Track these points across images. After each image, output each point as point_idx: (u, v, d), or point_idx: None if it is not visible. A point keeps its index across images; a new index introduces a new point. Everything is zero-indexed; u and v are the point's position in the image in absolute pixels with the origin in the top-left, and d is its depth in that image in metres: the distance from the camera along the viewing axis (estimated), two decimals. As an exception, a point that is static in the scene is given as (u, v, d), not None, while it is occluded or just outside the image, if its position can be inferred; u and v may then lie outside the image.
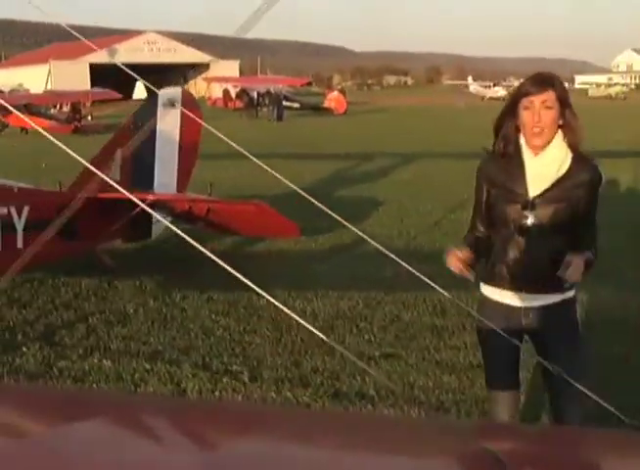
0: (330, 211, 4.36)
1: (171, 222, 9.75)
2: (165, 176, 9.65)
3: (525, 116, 3.52)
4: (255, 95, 46.52)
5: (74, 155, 3.60)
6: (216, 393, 5.38)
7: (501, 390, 3.85)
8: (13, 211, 7.31)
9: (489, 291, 3.76)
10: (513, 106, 3.58)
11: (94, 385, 5.59)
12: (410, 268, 3.53)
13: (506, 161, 3.63)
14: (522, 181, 3.57)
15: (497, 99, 69.12)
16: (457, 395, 5.36)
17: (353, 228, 3.37)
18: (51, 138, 4.17)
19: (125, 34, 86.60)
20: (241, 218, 9.08)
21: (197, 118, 9.28)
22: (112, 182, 3.74)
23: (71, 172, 9.46)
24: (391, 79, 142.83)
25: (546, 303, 3.64)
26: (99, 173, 4.59)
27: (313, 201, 4.35)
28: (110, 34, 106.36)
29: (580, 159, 3.57)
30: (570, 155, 3.55)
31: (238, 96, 50.40)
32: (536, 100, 3.48)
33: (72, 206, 4.49)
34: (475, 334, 6.45)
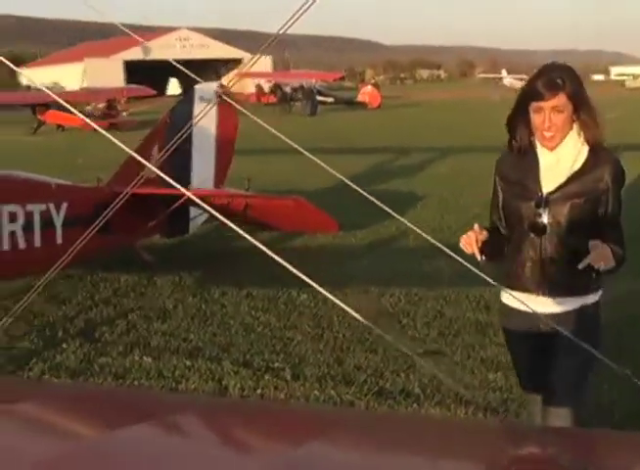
0: (381, 204, 4.24)
1: (208, 218, 9.75)
2: (203, 172, 9.60)
3: (535, 120, 3.36)
4: (289, 90, 46.48)
5: (123, 147, 3.49)
6: (258, 390, 5.30)
7: (534, 392, 3.73)
8: (52, 207, 7.29)
9: (507, 297, 3.58)
10: (523, 105, 3.41)
11: (135, 382, 5.53)
12: (465, 263, 3.38)
13: (520, 157, 3.48)
14: (535, 177, 3.41)
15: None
16: (504, 393, 5.23)
17: (406, 222, 3.25)
18: (106, 133, 4.08)
19: (157, 31, 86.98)
20: (279, 213, 9.00)
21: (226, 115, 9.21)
22: (162, 174, 3.62)
23: (107, 169, 9.46)
24: (424, 73, 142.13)
25: (564, 309, 3.42)
26: (148, 165, 4.47)
27: (363, 193, 4.21)
28: (143, 32, 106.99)
29: (599, 152, 3.37)
30: (585, 148, 3.36)
31: (271, 91, 50.43)
32: (546, 105, 3.30)
33: (115, 202, 4.40)
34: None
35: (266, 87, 52.22)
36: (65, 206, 7.48)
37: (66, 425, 1.78)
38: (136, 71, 65.07)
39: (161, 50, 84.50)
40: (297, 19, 2.16)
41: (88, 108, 38.90)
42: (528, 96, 3.36)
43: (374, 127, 31.84)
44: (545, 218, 3.36)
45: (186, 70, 5.48)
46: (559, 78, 3.28)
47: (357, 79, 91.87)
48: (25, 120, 36.46)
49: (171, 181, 3.69)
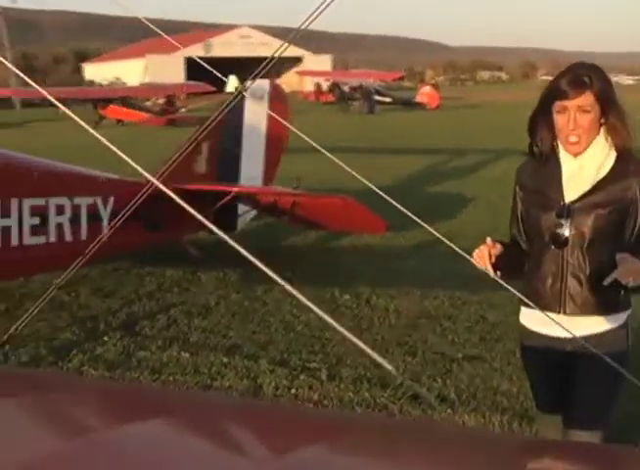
0: (404, 210, 4.14)
1: (257, 215, 9.77)
2: (252, 169, 9.61)
3: (559, 120, 3.09)
4: (347, 89, 46.44)
5: (107, 143, 3.47)
6: (292, 390, 5.27)
7: (552, 413, 3.41)
8: (99, 201, 7.36)
9: (526, 316, 3.32)
10: (546, 105, 3.14)
11: (171, 377, 5.55)
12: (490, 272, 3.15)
13: (542, 163, 3.21)
14: (557, 185, 3.13)
15: (595, 95, 67.42)
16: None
17: (426, 226, 3.09)
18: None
19: (219, 29, 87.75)
20: (327, 212, 8.96)
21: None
22: (146, 174, 3.61)
23: (161, 163, 9.51)
24: (485, 75, 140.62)
25: (588, 330, 3.11)
26: (148, 176, 4.48)
27: (386, 197, 4.12)
28: (204, 29, 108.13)
29: (628, 159, 3.10)
30: (613, 154, 3.10)
31: (330, 90, 50.47)
32: (571, 105, 3.03)
33: (141, 194, 4.40)
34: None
35: (325, 86, 52.29)
36: (112, 200, 7.54)
37: (88, 421, 1.78)
38: (197, 68, 65.74)
39: (223, 47, 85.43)
40: (321, 13, 2.11)
41: (148, 103, 39.47)
42: (552, 95, 3.09)
43: (430, 128, 31.61)
44: (567, 230, 3.09)
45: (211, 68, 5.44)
46: (586, 76, 3.03)
47: (417, 80, 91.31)
48: (88, 115, 37.14)
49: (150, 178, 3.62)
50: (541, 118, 3.18)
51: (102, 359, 5.92)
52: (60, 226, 7.00)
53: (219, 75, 5.52)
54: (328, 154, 4.46)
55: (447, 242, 2.95)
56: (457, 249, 3.22)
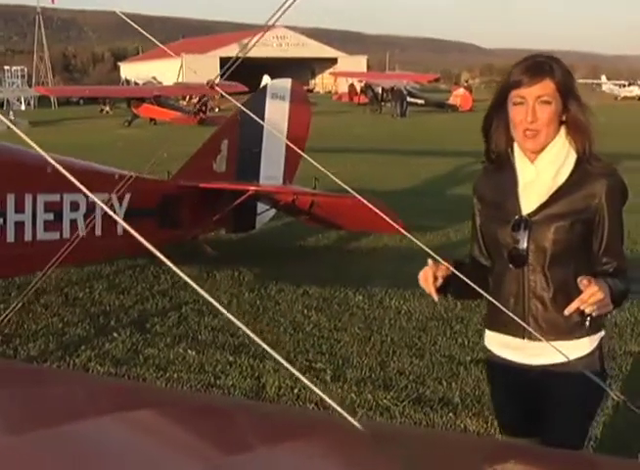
0: (385, 216, 4.04)
1: (276, 214, 9.75)
2: (271, 169, 9.59)
3: (515, 114, 2.70)
4: (380, 90, 46.32)
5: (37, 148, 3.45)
6: (295, 390, 5.23)
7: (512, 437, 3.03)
8: (114, 197, 7.36)
9: (490, 339, 2.97)
10: (501, 100, 2.76)
11: (175, 375, 5.54)
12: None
13: (497, 171, 2.84)
14: (513, 195, 2.77)
15: (632, 98, 66.56)
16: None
17: (407, 234, 2.84)
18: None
19: (255, 29, 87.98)
20: (345, 212, 8.91)
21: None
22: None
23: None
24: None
25: (553, 360, 2.75)
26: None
27: (363, 199, 4.00)
28: (240, 29, 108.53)
29: (592, 161, 2.72)
30: (572, 157, 2.72)
31: (362, 91, 50.40)
32: (529, 94, 2.66)
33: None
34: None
35: (359, 87, 52.24)
36: (127, 197, 7.55)
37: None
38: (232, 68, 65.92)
39: (258, 48, 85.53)
40: (287, 9, 2.07)
41: (183, 103, 39.69)
42: (507, 86, 2.72)
43: (461, 130, 31.31)
44: (525, 245, 2.73)
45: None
46: (545, 63, 2.69)
47: (452, 81, 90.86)
48: (122, 114, 37.48)
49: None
50: (496, 118, 2.81)
51: (109, 356, 5.93)
52: (74, 222, 7.03)
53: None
54: (306, 156, 4.38)
55: (430, 252, 2.70)
56: (437, 257, 2.85)
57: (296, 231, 10.30)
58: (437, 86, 78.80)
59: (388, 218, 2.88)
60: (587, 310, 2.52)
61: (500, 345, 2.91)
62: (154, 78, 63.24)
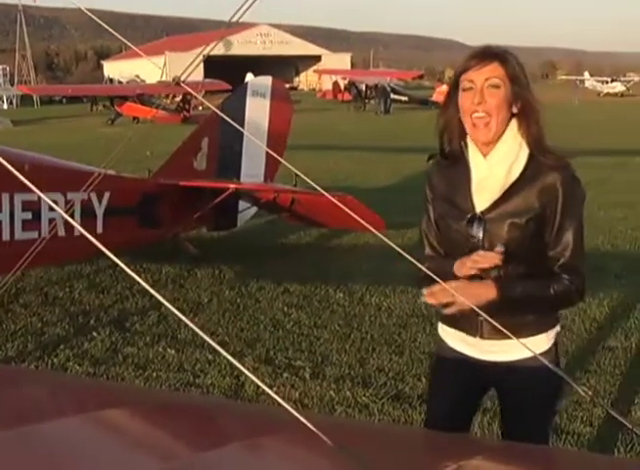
0: (353, 214, 4.03)
1: (257, 212, 9.73)
2: (253, 167, 9.57)
3: (464, 99, 2.60)
4: (364, 88, 46.37)
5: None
6: (274, 388, 5.21)
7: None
8: (93, 196, 7.33)
9: (445, 332, 2.93)
10: (453, 92, 2.67)
11: (154, 374, 5.51)
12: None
13: (450, 165, 2.76)
14: (466, 191, 2.70)
15: (614, 95, 66.88)
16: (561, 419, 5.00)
17: (377, 233, 2.73)
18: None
19: (239, 27, 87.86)
20: (326, 210, 8.90)
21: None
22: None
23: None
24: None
25: (511, 357, 2.73)
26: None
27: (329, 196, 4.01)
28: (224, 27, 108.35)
29: (545, 155, 2.64)
30: (525, 151, 2.65)
31: (346, 88, 50.42)
32: (477, 76, 2.57)
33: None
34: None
35: (343, 84, 52.26)
36: (107, 195, 7.52)
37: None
38: (215, 67, 65.83)
39: (242, 46, 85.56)
40: (250, 6, 2.06)
41: (166, 101, 39.58)
42: (457, 73, 2.65)
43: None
44: (478, 243, 2.67)
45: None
46: (496, 49, 2.64)
47: (436, 78, 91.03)
48: (105, 112, 37.33)
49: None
50: (451, 109, 2.71)
51: (88, 355, 5.90)
52: (52, 222, 6.98)
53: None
54: (272, 152, 4.34)
55: (402, 252, 2.64)
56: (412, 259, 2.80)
57: (277, 229, 10.29)
58: (421, 83, 78.99)
59: (356, 216, 2.83)
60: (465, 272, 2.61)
61: (455, 338, 2.88)
62: (137, 77, 63.07)
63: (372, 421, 4.62)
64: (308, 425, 1.48)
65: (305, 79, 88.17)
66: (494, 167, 2.67)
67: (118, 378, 5.42)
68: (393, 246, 2.48)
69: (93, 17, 2.22)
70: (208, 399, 3.91)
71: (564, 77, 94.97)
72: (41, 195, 1.85)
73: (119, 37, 2.36)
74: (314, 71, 68.96)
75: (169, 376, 5.48)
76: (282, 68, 79.62)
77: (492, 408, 4.91)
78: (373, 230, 2.69)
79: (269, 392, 1.70)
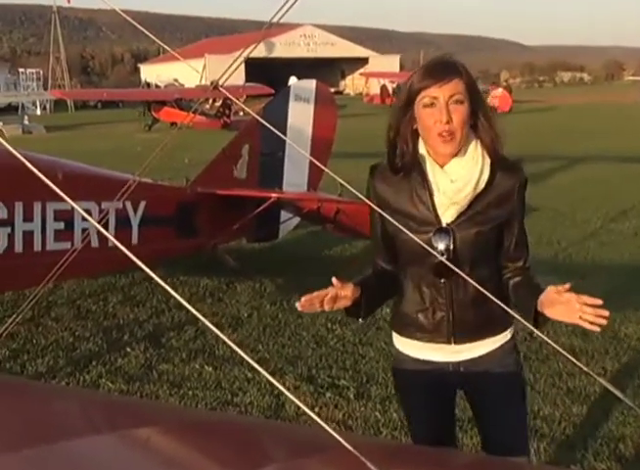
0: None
1: (300, 223, 9.77)
2: (295, 175, 9.60)
3: (426, 117, 2.69)
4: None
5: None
6: (316, 408, 5.23)
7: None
8: (128, 205, 7.42)
9: (405, 344, 3.00)
10: (406, 106, 2.75)
11: (190, 392, 5.57)
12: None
13: (402, 176, 2.82)
14: (427, 204, 2.78)
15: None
16: (586, 428, 4.97)
17: (423, 244, 2.71)
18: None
19: (282, 27, 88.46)
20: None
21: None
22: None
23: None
24: (565, 76, 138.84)
25: (478, 353, 2.92)
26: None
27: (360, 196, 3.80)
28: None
29: (503, 163, 2.80)
30: (488, 162, 2.77)
31: (395, 92, 50.39)
32: (441, 94, 2.65)
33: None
34: (612, 360, 6.09)
35: (391, 88, 52.26)
36: (143, 204, 7.61)
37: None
38: (257, 70, 66.33)
39: (285, 47, 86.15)
40: (293, 5, 2.08)
41: (206, 106, 39.98)
42: (415, 89, 2.70)
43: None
44: (446, 254, 2.76)
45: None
46: (453, 63, 2.73)
47: (490, 81, 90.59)
48: (143, 118, 37.79)
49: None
50: (403, 125, 2.79)
51: (121, 372, 5.97)
52: (85, 232, 7.09)
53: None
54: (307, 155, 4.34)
55: (450, 265, 2.65)
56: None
57: (320, 240, 10.32)
58: (475, 87, 78.52)
59: (403, 228, 2.82)
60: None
61: (419, 347, 2.96)
62: (175, 81, 63.78)
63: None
64: (349, 448, 1.49)
65: (352, 83, 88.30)
66: (461, 178, 2.76)
67: (153, 396, 5.48)
68: (441, 258, 2.48)
69: (127, 18, 2.26)
70: (247, 418, 3.93)
71: (631, 78, 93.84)
72: (74, 205, 1.89)
73: (155, 39, 2.40)
74: (361, 75, 69.09)
75: (206, 394, 5.52)
76: (327, 70, 79.99)
77: (549, 434, 4.88)
78: (420, 242, 2.67)
79: (309, 412, 1.72)
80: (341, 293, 2.64)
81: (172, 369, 6.03)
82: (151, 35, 2.47)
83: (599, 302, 2.48)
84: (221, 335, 1.65)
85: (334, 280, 2.65)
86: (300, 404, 1.66)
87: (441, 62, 2.75)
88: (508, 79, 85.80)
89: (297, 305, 2.61)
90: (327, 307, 2.63)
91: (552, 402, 5.34)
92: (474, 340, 2.89)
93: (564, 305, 2.53)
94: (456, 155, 2.75)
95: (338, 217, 8.80)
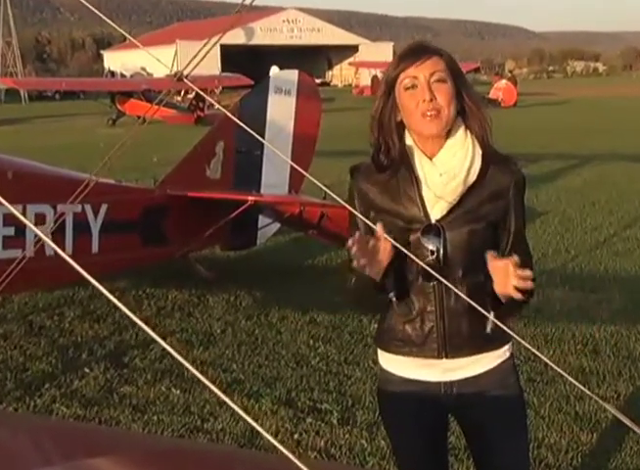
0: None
1: (280, 229, 9.78)
2: (275, 176, 9.61)
3: (407, 100, 2.74)
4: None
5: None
6: (296, 435, 5.24)
7: None
8: (88, 209, 7.42)
9: (391, 361, 2.99)
10: (388, 95, 2.81)
11: (155, 417, 5.57)
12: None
13: (388, 174, 2.85)
14: (415, 200, 2.80)
15: None
16: (597, 459, 5.01)
17: (407, 253, 2.70)
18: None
19: (263, 11, 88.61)
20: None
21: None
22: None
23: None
24: (578, 65, 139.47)
25: (474, 372, 2.90)
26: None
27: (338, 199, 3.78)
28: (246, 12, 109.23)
29: (495, 157, 2.84)
30: (479, 152, 2.81)
31: (386, 83, 50.58)
32: (421, 73, 2.72)
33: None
34: (624, 382, 6.13)
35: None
36: (104, 208, 7.60)
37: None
38: (234, 58, 66.38)
39: (266, 34, 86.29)
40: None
41: (178, 98, 39.94)
42: (395, 73, 2.78)
43: (503, 129, 31.33)
44: (436, 255, 2.78)
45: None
46: (430, 44, 2.86)
47: (493, 71, 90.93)
48: (105, 110, 37.68)
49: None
50: (386, 114, 2.84)
51: (78, 395, 5.97)
52: (39, 239, 7.08)
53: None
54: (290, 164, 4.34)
55: (442, 279, 2.61)
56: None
57: (303, 249, 10.34)
58: (477, 78, 78.83)
59: (393, 241, 2.82)
60: (514, 295, 2.60)
61: (408, 365, 2.95)
62: (143, 69, 63.69)
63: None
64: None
65: (340, 73, 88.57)
66: (450, 171, 2.79)
67: (113, 422, 5.48)
68: (435, 274, 2.50)
69: (85, 3, 2.26)
70: (218, 447, 3.94)
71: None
72: (12, 209, 1.89)
73: (113, 24, 2.40)
74: (350, 64, 69.29)
75: (173, 420, 5.53)
76: (312, 59, 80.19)
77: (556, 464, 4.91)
78: (410, 256, 2.66)
79: (278, 445, 1.69)
80: (383, 245, 2.63)
81: (136, 392, 6.02)
82: (108, 21, 2.47)
83: (528, 273, 2.58)
84: (175, 353, 1.63)
85: (379, 226, 2.64)
86: (267, 436, 1.65)
87: (416, 43, 2.87)
88: (514, 69, 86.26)
89: (350, 240, 2.60)
90: (362, 261, 2.60)
91: (558, 429, 5.37)
92: (467, 355, 2.87)
93: (497, 276, 2.63)
94: (445, 142, 2.79)
95: (322, 223, 8.82)
